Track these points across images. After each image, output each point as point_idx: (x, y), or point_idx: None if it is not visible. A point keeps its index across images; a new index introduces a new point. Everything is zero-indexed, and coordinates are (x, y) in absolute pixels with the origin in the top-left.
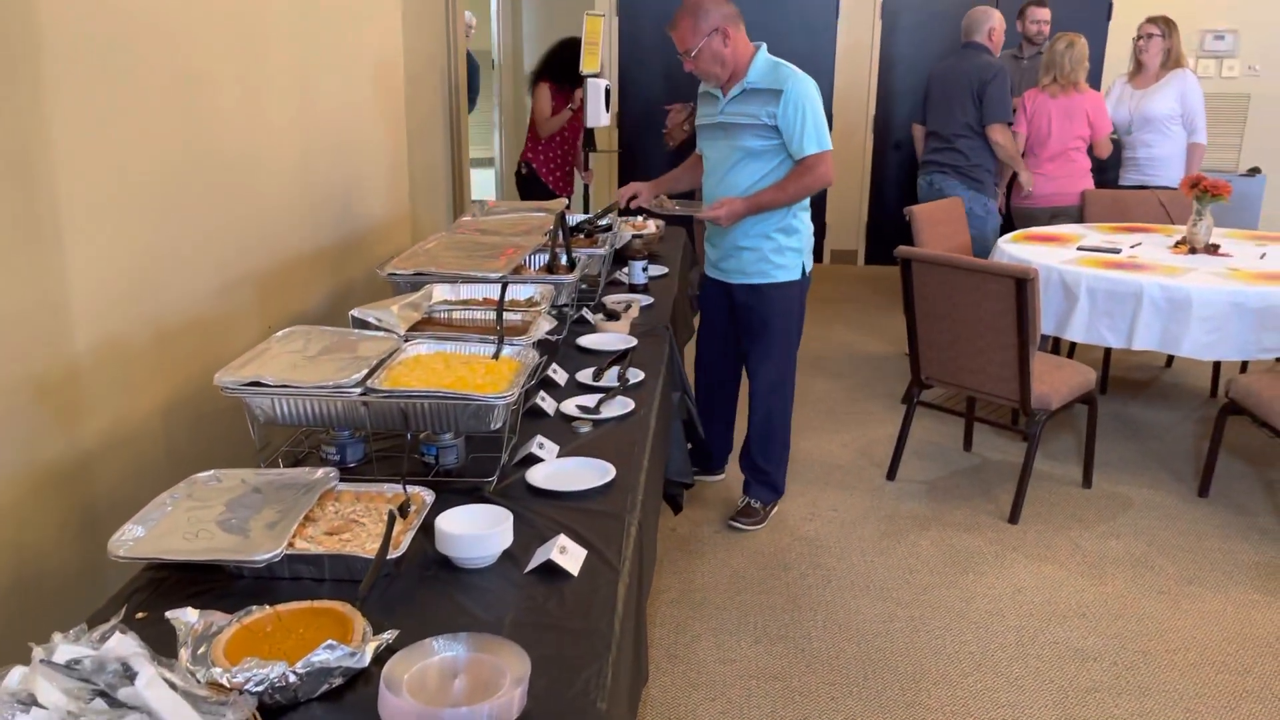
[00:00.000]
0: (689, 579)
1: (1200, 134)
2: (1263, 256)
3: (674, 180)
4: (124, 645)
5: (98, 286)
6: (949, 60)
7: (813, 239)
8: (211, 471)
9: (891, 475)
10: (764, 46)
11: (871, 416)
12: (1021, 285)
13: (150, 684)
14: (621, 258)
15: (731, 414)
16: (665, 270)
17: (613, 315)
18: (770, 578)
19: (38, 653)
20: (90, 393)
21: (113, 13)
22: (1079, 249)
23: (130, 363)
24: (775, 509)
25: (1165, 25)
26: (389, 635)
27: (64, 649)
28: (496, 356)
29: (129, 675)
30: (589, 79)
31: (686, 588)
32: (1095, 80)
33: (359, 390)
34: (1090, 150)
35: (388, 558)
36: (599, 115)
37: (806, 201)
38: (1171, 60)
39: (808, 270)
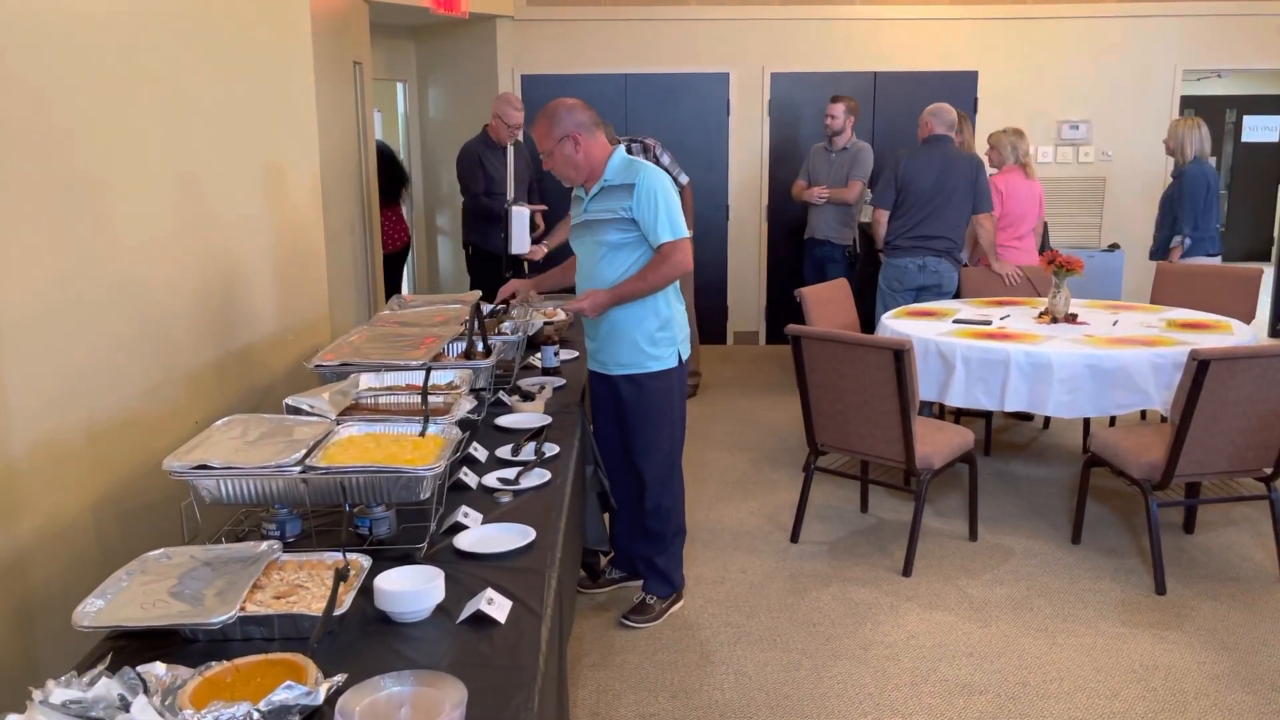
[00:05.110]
0: (609, 643)
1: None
2: (1115, 323)
3: (552, 278)
4: (118, 683)
5: (32, 391)
6: (926, 151)
7: (687, 327)
8: (161, 550)
9: (795, 538)
10: (621, 147)
11: (777, 485)
12: (898, 356)
13: (143, 710)
14: (535, 343)
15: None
16: (576, 354)
17: (528, 396)
18: (685, 637)
19: (36, 695)
20: (26, 492)
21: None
22: (954, 322)
23: (64, 462)
24: (673, 607)
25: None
26: (339, 678)
27: (58, 692)
28: (423, 434)
29: (124, 705)
30: (512, 208)
31: (607, 651)
32: None
33: (299, 469)
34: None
35: (333, 615)
36: (522, 242)
37: (677, 288)
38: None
39: (684, 357)
